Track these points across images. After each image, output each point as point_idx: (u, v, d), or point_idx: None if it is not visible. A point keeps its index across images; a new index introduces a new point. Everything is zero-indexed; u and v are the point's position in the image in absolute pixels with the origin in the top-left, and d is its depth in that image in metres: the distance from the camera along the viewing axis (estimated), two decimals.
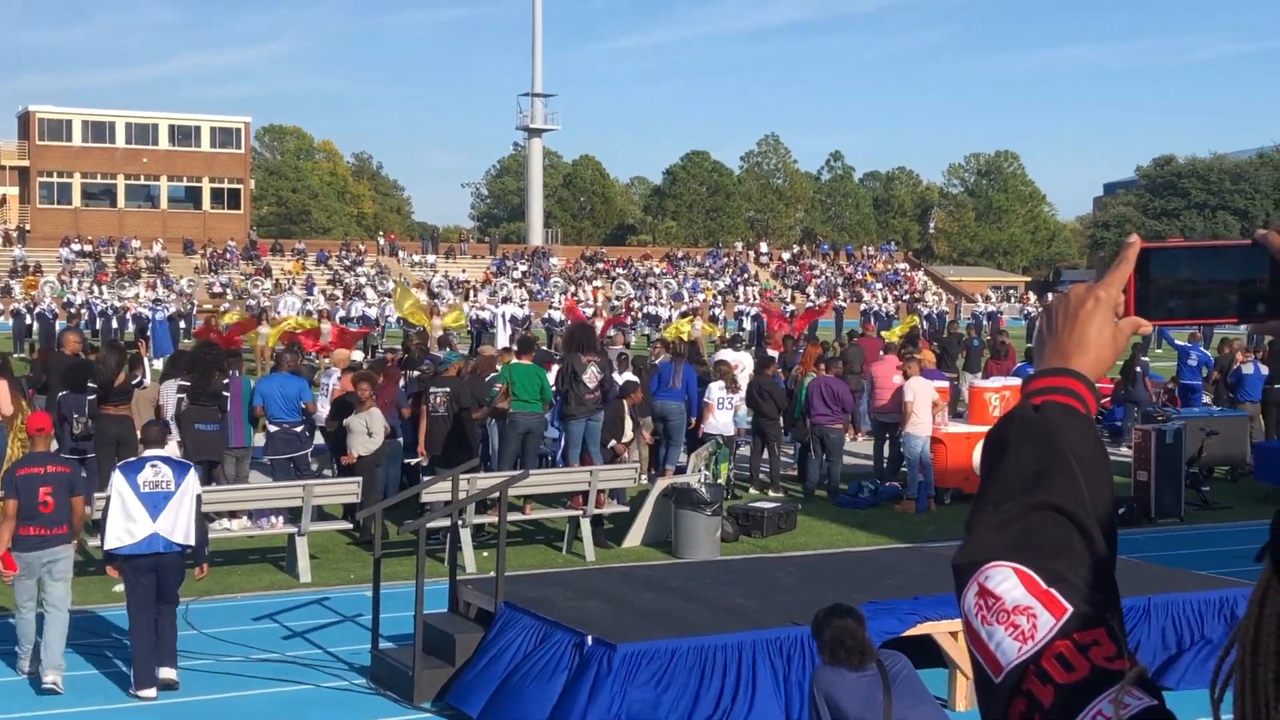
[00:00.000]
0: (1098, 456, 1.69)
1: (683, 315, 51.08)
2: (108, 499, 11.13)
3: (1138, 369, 24.83)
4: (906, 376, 19.41)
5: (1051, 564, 1.58)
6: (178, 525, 10.94)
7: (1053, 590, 1.55)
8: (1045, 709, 1.48)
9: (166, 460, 11.32)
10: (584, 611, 10.53)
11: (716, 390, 19.90)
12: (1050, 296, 1.93)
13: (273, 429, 17.24)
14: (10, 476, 11.34)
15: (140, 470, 11.05)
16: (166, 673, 10.94)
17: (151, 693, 10.79)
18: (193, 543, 11.09)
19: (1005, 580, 1.57)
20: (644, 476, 19.04)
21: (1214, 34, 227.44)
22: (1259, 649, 1.31)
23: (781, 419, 20.75)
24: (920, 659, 7.95)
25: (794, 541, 16.93)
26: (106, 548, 11.05)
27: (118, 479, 11.03)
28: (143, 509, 10.86)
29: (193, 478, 11.23)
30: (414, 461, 17.84)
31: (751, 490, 20.28)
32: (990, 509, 1.66)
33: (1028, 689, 1.50)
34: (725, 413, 19.74)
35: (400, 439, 18.06)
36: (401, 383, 19.31)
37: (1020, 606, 1.55)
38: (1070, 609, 1.53)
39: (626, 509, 17.12)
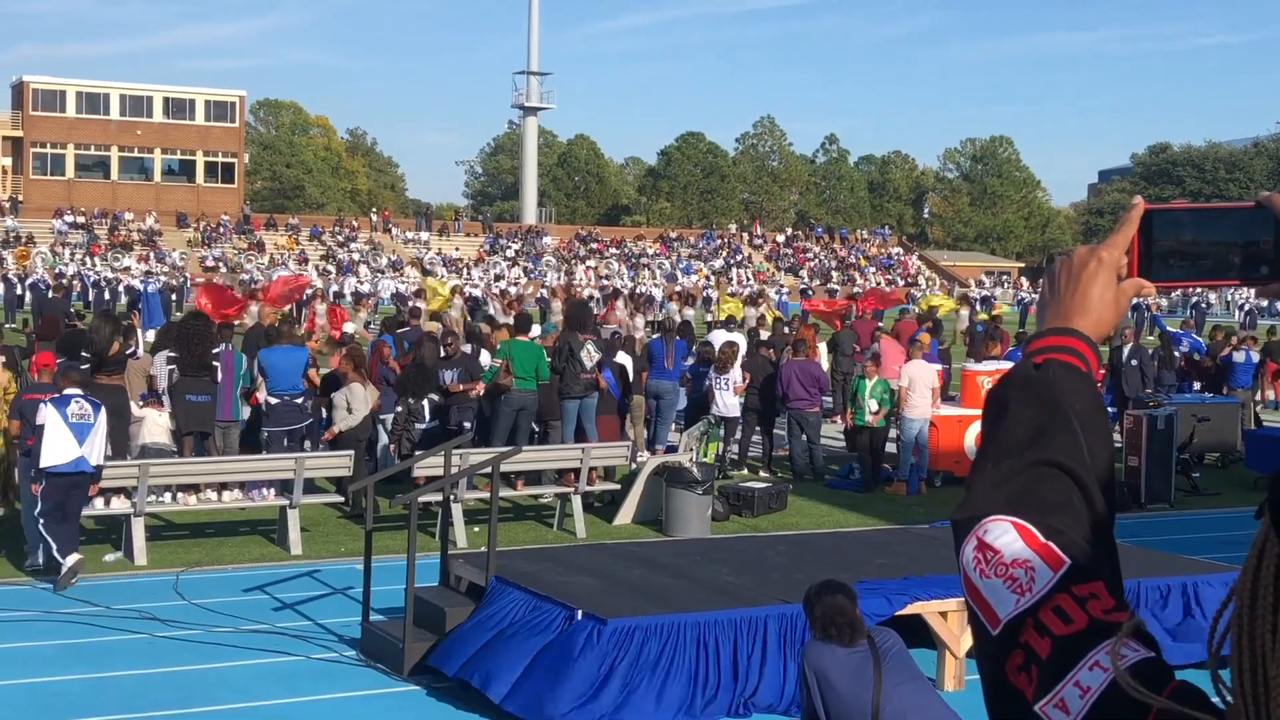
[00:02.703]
0: (1098, 415, 1.69)
1: (733, 294, 49.74)
2: (41, 426, 12.95)
3: (1176, 353, 24.84)
4: (911, 359, 19.41)
5: (1050, 518, 1.58)
6: (94, 450, 13.11)
7: (1051, 544, 1.55)
8: (1042, 661, 1.48)
9: (85, 397, 13.36)
10: (574, 586, 10.54)
11: (710, 373, 20.00)
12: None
13: (274, 400, 17.18)
14: (17, 401, 14.30)
15: (68, 404, 13.08)
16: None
17: (75, 557, 13.02)
18: (102, 463, 13.37)
19: (1004, 534, 1.58)
20: (642, 454, 19.14)
21: (1211, 21, 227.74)
22: (1256, 601, 1.32)
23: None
24: (910, 639, 7.98)
25: (784, 521, 16.95)
26: (41, 466, 12.91)
27: (50, 412, 12.97)
28: (71, 437, 12.96)
29: (104, 413, 13.38)
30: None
31: (744, 470, 20.27)
32: (990, 465, 1.67)
33: (1025, 641, 1.51)
34: (722, 394, 19.71)
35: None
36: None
37: (1018, 560, 1.55)
38: (1068, 562, 1.54)
39: (618, 487, 17.14)
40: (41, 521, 13.13)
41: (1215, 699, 1.39)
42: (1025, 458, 1.64)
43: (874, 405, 18.70)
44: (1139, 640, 1.47)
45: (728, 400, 19.75)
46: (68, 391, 13.27)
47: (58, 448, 12.90)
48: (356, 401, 16.50)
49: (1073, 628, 1.49)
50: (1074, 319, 1.77)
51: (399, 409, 17.68)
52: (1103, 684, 1.43)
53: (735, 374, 19.95)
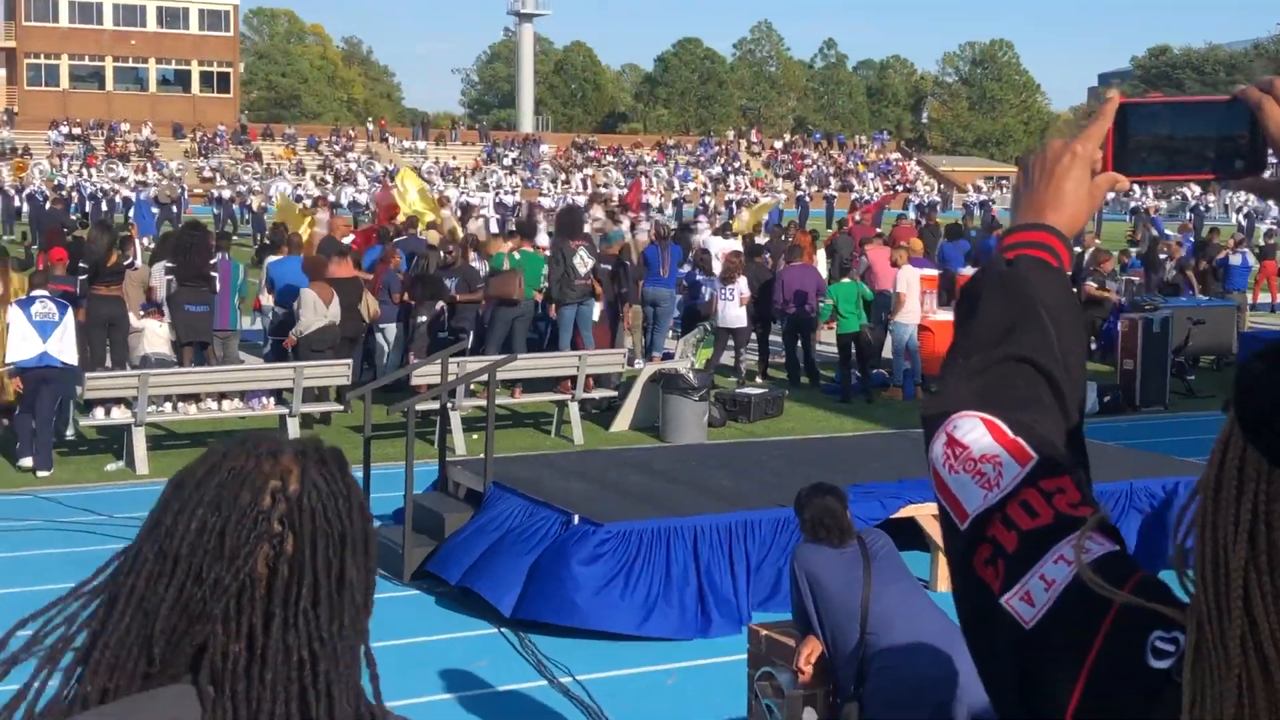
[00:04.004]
0: (1069, 310, 1.70)
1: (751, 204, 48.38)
2: (8, 325, 13.87)
3: (1162, 255, 24.81)
4: (896, 265, 19.35)
5: (1019, 414, 1.59)
6: (63, 348, 13.82)
7: (1019, 439, 1.56)
8: (1008, 554, 1.50)
9: (51, 298, 14.07)
10: (571, 492, 10.61)
11: (715, 284, 19.85)
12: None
13: (280, 310, 17.24)
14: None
15: (32, 304, 13.87)
16: (41, 471, 13.97)
17: (28, 461, 14.00)
18: (74, 362, 14.01)
19: (973, 429, 1.59)
20: (639, 360, 19.14)
21: None
22: (1220, 495, 1.33)
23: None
24: (903, 541, 8.04)
25: (780, 427, 17.01)
26: (10, 360, 13.86)
27: (15, 312, 13.81)
28: (35, 334, 13.72)
29: (70, 314, 14.09)
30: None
31: (742, 376, 20.27)
32: (960, 360, 1.67)
33: (992, 535, 1.52)
34: (726, 304, 19.19)
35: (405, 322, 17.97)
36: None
37: (987, 455, 1.56)
38: (1036, 457, 1.54)
39: (615, 394, 17.18)
40: (17, 413, 14.27)
41: (1180, 593, 1.40)
42: (995, 353, 1.65)
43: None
44: (1104, 534, 1.48)
45: (732, 312, 19.17)
46: (34, 293, 14.14)
47: (21, 344, 13.73)
48: (305, 308, 16.33)
49: (1038, 522, 1.50)
50: (1047, 213, 1.77)
51: (424, 317, 17.65)
52: (1067, 577, 1.44)
53: (741, 285, 19.13)
